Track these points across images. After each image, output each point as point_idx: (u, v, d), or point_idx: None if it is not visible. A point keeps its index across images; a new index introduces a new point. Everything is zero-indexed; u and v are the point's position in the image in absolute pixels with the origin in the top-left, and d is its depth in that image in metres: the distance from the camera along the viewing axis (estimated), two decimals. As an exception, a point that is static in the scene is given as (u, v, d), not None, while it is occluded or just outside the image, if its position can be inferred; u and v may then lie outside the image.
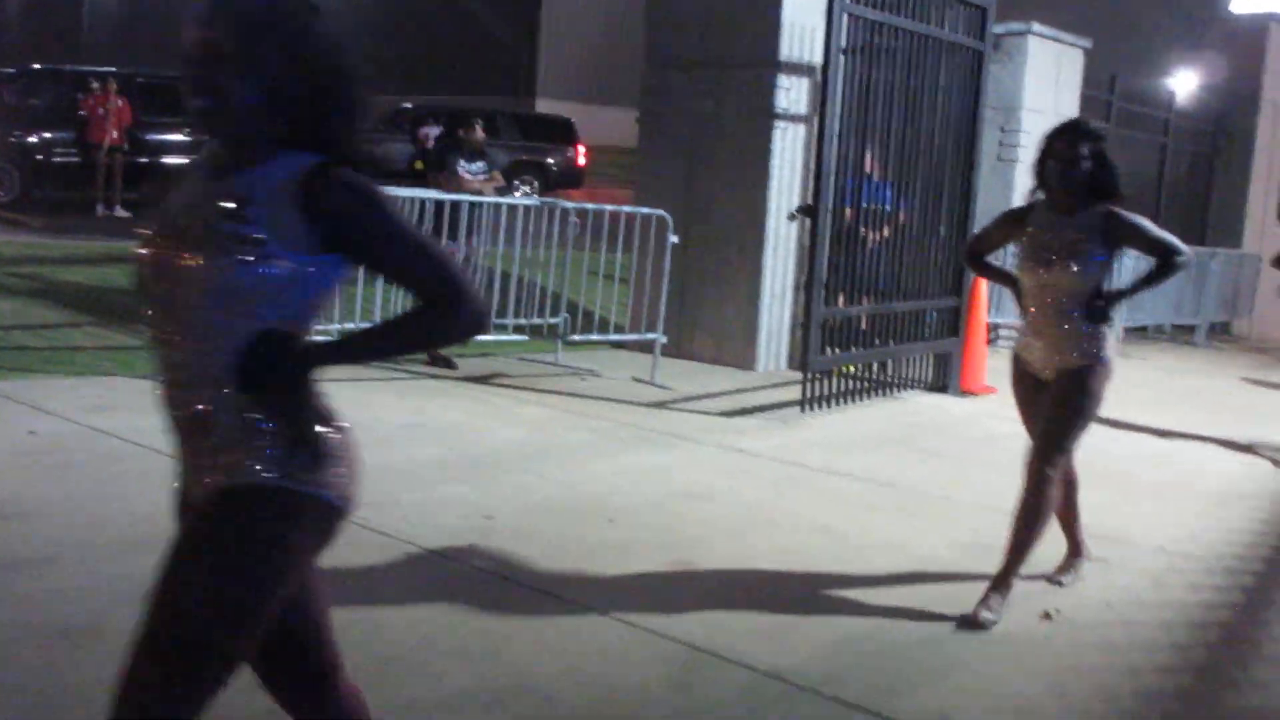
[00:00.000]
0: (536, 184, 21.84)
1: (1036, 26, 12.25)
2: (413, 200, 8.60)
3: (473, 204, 8.79)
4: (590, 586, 4.54)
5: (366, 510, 5.12)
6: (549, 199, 10.27)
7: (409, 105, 24.72)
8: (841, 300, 8.55)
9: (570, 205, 9.49)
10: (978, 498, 6.08)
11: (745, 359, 9.98)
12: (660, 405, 8.26)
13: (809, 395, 8.24)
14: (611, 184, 21.88)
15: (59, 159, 16.90)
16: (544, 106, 31.05)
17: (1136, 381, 11.08)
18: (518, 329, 9.11)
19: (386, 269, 2.19)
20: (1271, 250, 14.87)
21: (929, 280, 9.23)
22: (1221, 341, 15.88)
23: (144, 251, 2.14)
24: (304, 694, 2.36)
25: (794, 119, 9.91)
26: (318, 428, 2.13)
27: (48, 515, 4.84)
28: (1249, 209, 17.24)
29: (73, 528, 4.69)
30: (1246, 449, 8.23)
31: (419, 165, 20.21)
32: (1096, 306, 4.53)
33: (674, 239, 9.33)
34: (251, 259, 2.03)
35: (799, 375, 8.41)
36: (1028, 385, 4.77)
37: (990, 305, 10.02)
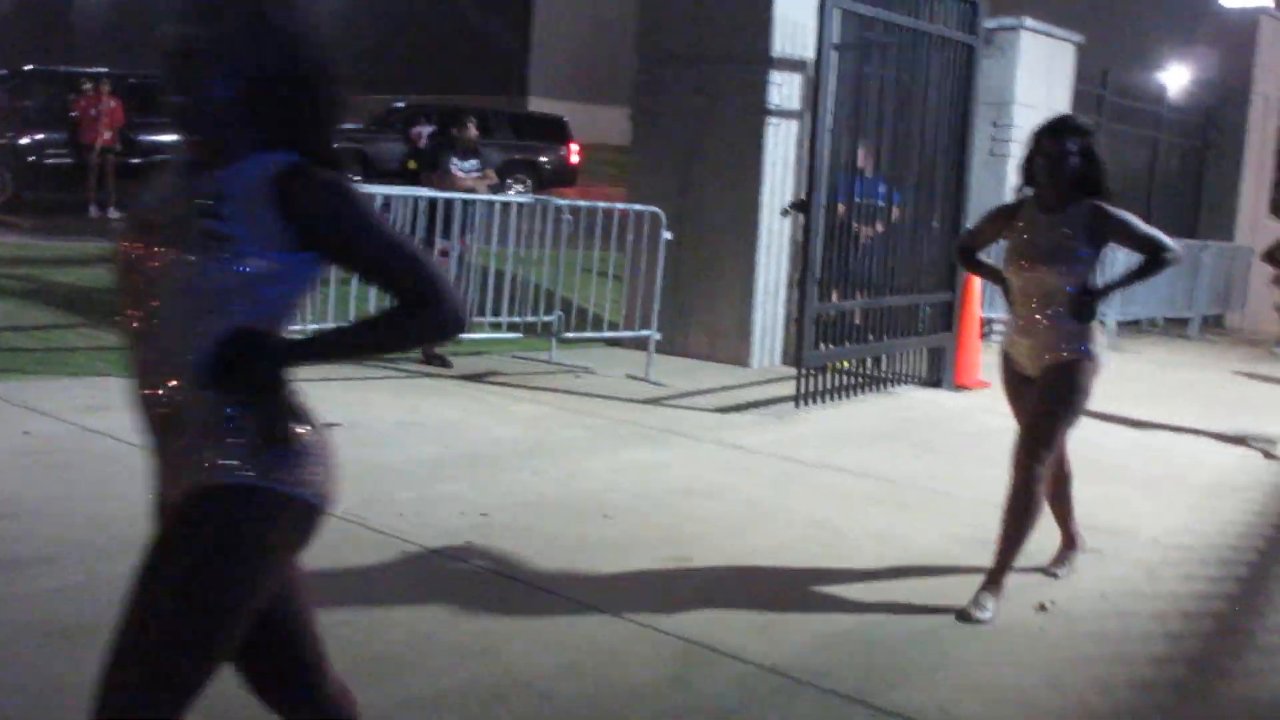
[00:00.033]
0: (529, 182, 21.84)
1: (1028, 21, 12.27)
2: (406, 198, 8.61)
3: (466, 202, 8.79)
4: (587, 583, 4.55)
5: (363, 508, 5.18)
6: (542, 196, 10.28)
7: (401, 104, 24.72)
8: (835, 296, 8.56)
9: (563, 203, 9.50)
10: (973, 492, 6.09)
11: (739, 355, 9.99)
12: (655, 402, 8.27)
13: (803, 391, 8.26)
14: (605, 182, 21.90)
15: (51, 160, 16.87)
16: (536, 105, 31.04)
17: (1130, 375, 11.12)
18: (512, 327, 9.12)
19: (363, 268, 2.17)
20: (1263, 244, 14.95)
21: (922, 275, 9.25)
22: (1214, 335, 15.92)
23: (119, 248, 2.13)
24: (289, 693, 2.35)
25: (786, 115, 9.92)
26: (293, 426, 2.12)
27: (44, 515, 4.85)
28: (1241, 202, 17.29)
29: (69, 527, 4.70)
30: (1239, 441, 8.25)
31: (411, 164, 20.30)
32: (1083, 302, 4.53)
33: (667, 235, 9.34)
34: (225, 256, 2.01)
35: (793, 371, 8.43)
36: (1016, 382, 4.78)
37: (983, 300, 10.04)
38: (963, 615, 4.42)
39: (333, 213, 2.08)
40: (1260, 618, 4.80)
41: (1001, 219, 4.84)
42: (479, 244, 9.18)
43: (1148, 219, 16.36)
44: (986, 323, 10.92)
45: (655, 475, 6.25)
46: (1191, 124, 17.07)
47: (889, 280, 8.93)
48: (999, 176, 11.64)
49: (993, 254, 5.22)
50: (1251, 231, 17.09)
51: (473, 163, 9.29)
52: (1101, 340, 4.67)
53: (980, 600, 4.47)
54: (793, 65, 9.84)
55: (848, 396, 8.78)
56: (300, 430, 2.14)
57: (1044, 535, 4.93)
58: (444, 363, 8.85)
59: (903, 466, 6.81)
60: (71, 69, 19.24)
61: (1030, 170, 4.64)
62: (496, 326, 9.00)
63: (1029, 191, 4.70)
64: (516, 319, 9.12)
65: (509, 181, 19.33)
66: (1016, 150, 10.56)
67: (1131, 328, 14.77)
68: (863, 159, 8.62)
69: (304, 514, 2.14)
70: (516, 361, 9.40)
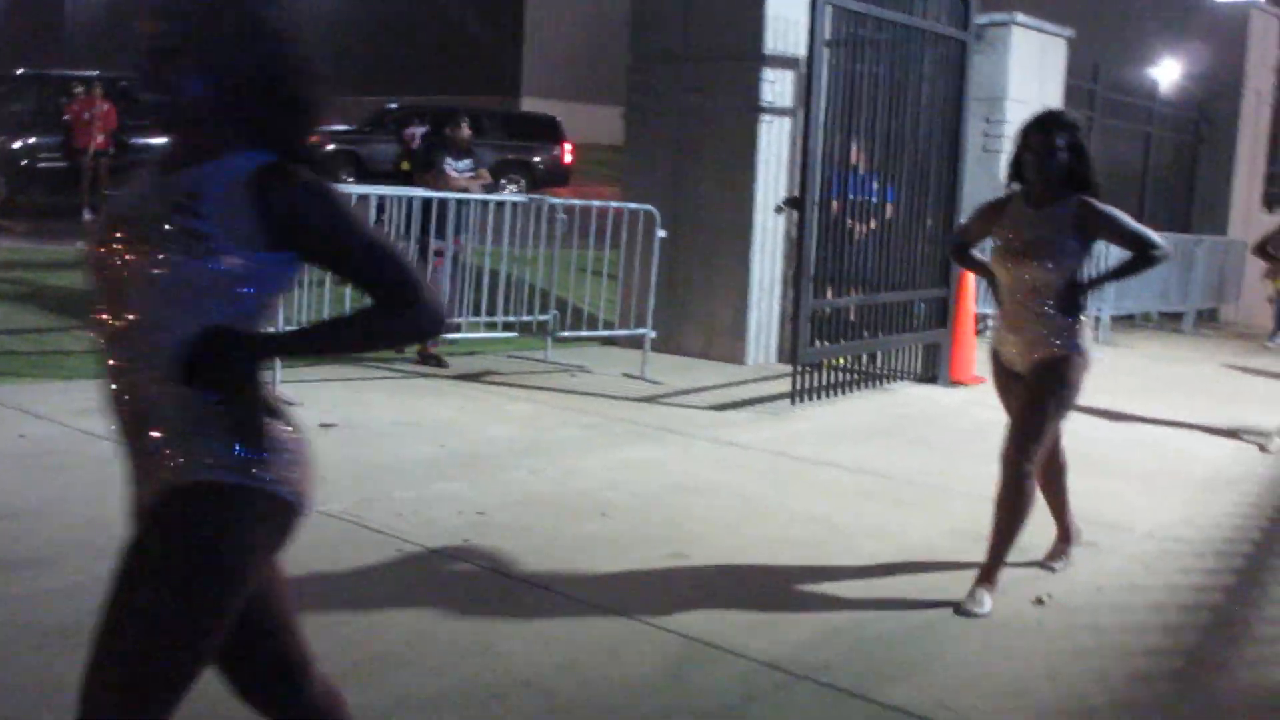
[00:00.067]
0: (523, 182, 21.83)
1: (1020, 16, 12.29)
2: (400, 199, 8.61)
3: (460, 202, 8.79)
4: (585, 581, 4.55)
5: (361, 508, 5.19)
6: (536, 196, 10.28)
7: (394, 105, 24.71)
8: (830, 293, 8.57)
9: (558, 201, 9.50)
10: (969, 487, 6.10)
11: (735, 353, 10.00)
12: (651, 400, 8.28)
13: (799, 388, 8.27)
14: (598, 181, 21.89)
15: (44, 164, 16.85)
16: (529, 105, 31.03)
17: (1125, 369, 11.15)
18: (507, 326, 9.12)
19: (341, 268, 2.15)
20: (1255, 238, 14.99)
21: (916, 271, 9.26)
22: (1208, 329, 15.96)
23: (93, 246, 2.11)
24: (274, 695, 2.33)
25: (779, 112, 9.93)
26: (266, 422, 2.10)
27: (41, 517, 4.85)
28: (1233, 196, 17.33)
29: (66, 529, 4.69)
30: (1233, 434, 8.27)
31: (405, 165, 20.25)
32: (1068, 296, 4.52)
33: (662, 234, 9.35)
34: (200, 254, 2.00)
35: (789, 368, 8.44)
36: (1006, 378, 4.77)
37: (978, 296, 10.05)
38: (960, 610, 4.43)
39: (310, 212, 2.06)
40: (1256, 609, 4.81)
41: (990, 214, 4.83)
42: (473, 244, 9.18)
43: (1141, 214, 16.37)
44: (981, 318, 10.94)
45: (652, 473, 6.26)
46: (1184, 118, 17.10)
47: (884, 277, 8.94)
48: (992, 172, 11.64)
49: (986, 250, 5.23)
50: (1244, 225, 17.13)
51: (466, 162, 9.29)
52: (1090, 335, 4.66)
53: (976, 595, 4.48)
54: (785, 62, 9.85)
55: (843, 393, 8.79)
56: (274, 427, 2.12)
57: (1040, 530, 4.95)
58: (440, 363, 8.85)
59: (899, 462, 6.82)
60: (64, 72, 19.21)
61: (1018, 166, 4.63)
62: (492, 326, 9.00)
63: (1017, 187, 4.70)
64: (512, 318, 9.13)
65: (503, 182, 19.33)
66: (1009, 146, 10.57)
67: (1126, 322, 14.80)
68: (856, 155, 8.62)
69: (280, 511, 2.11)
70: (512, 361, 9.40)
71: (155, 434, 2.07)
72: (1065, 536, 5.04)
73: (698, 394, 8.56)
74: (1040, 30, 12.60)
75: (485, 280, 8.89)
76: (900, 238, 9.09)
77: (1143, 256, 4.67)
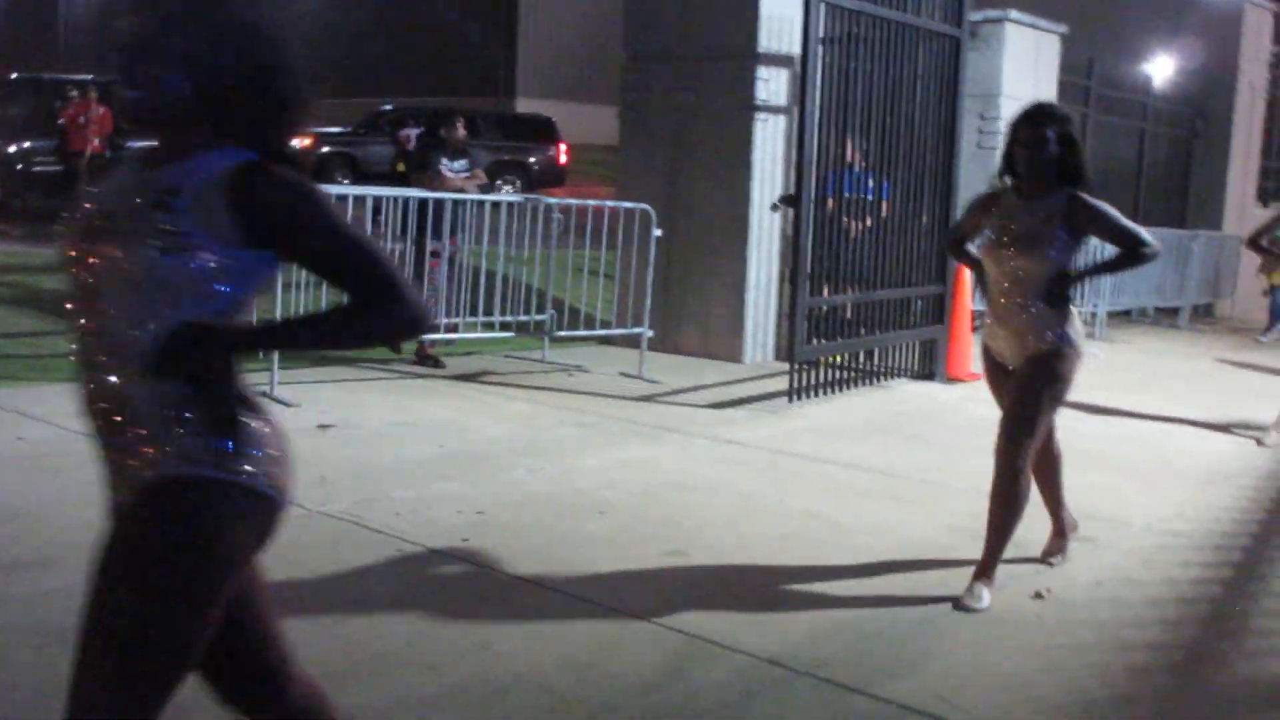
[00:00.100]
0: (519, 183, 21.86)
1: (1013, 13, 12.31)
2: (396, 200, 8.61)
3: (456, 202, 8.79)
4: (584, 579, 4.56)
5: (360, 508, 5.20)
6: (532, 196, 10.28)
7: (388, 107, 24.72)
8: (827, 290, 8.58)
9: (553, 201, 9.50)
10: (966, 483, 6.10)
11: (732, 351, 10.01)
12: (648, 399, 8.28)
13: (796, 385, 8.27)
14: (594, 181, 21.90)
15: (40, 168, 16.85)
16: (524, 106, 31.05)
17: (1121, 364, 11.18)
18: (504, 326, 9.13)
19: (320, 266, 2.12)
20: (1249, 230, 15.00)
21: (913, 268, 9.27)
22: (1204, 324, 15.98)
23: (70, 242, 2.10)
24: (255, 698, 2.30)
25: (774, 110, 9.94)
26: (241, 415, 2.08)
27: (40, 519, 4.85)
28: (1228, 191, 17.35)
29: (65, 530, 4.69)
30: (1229, 429, 8.28)
31: (400, 167, 20.29)
32: (1056, 288, 4.50)
33: (658, 233, 9.35)
34: (175, 251, 1.99)
35: (786, 366, 8.45)
36: (998, 373, 4.76)
37: (974, 292, 10.06)
38: (958, 605, 4.43)
39: (289, 211, 2.05)
40: (1255, 602, 4.82)
41: (983, 207, 4.81)
42: (470, 244, 9.19)
43: (1136, 209, 16.37)
44: (978, 315, 10.94)
45: (650, 472, 6.26)
46: (1178, 114, 17.13)
47: (880, 274, 8.94)
48: (987, 169, 11.60)
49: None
50: (1239, 220, 17.15)
51: (462, 163, 9.29)
52: (1080, 327, 4.64)
53: (975, 590, 4.48)
54: (779, 60, 9.86)
55: (841, 391, 8.80)
56: (250, 421, 2.10)
57: (1038, 525, 4.96)
58: (437, 363, 8.86)
59: (897, 459, 6.82)
60: (59, 76, 19.21)
61: (1009, 159, 4.62)
62: (489, 326, 9.00)
63: (1009, 181, 4.68)
64: (509, 318, 9.13)
65: (499, 183, 19.34)
66: (1003, 143, 10.56)
67: (1122, 318, 14.83)
68: (851, 153, 8.63)
69: (259, 506, 2.09)
70: (509, 361, 9.40)
71: (130, 431, 2.05)
72: (1061, 531, 5.05)
73: (695, 393, 8.57)
74: (1034, 27, 12.62)
75: (482, 280, 8.90)
76: (896, 235, 9.10)
77: (1132, 253, 4.64)
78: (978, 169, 11.35)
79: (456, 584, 4.50)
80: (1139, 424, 8.32)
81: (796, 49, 8.76)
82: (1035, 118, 4.55)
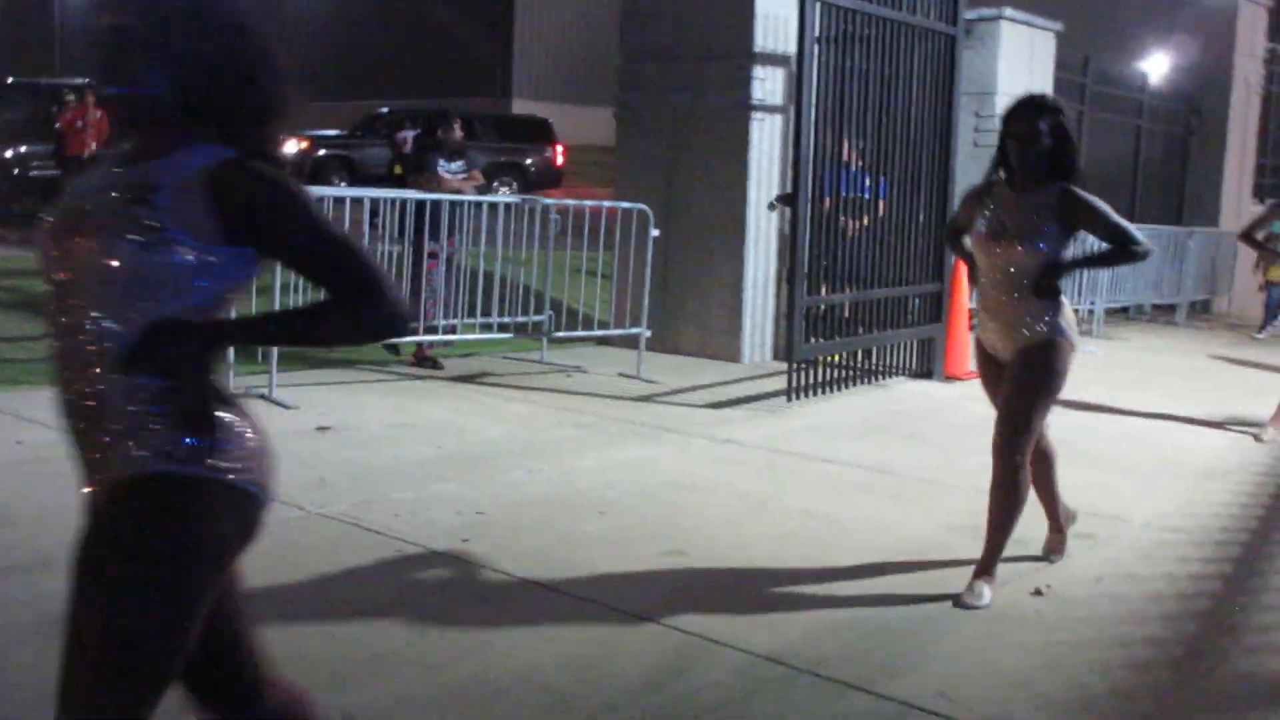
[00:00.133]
0: (515, 185, 21.87)
1: (1008, 11, 12.32)
2: (393, 201, 8.61)
3: (453, 203, 8.79)
4: (584, 578, 4.56)
5: (359, 509, 5.20)
6: (530, 196, 10.28)
7: (385, 110, 24.72)
8: (824, 289, 8.58)
9: (551, 202, 9.51)
10: (965, 481, 6.11)
11: (730, 351, 10.01)
12: (647, 399, 8.29)
13: (795, 385, 8.28)
14: (590, 183, 21.90)
15: (37, 173, 16.84)
16: (520, 107, 31.05)
17: (1119, 362, 11.19)
18: (502, 328, 9.13)
19: (300, 263, 2.11)
20: (1243, 224, 15.01)
21: (910, 267, 9.27)
22: (1201, 320, 15.99)
23: (47, 238, 2.08)
24: (230, 704, 2.26)
25: (771, 109, 9.94)
26: (218, 411, 2.07)
27: (41, 521, 4.84)
28: (1224, 187, 17.37)
29: (65, 532, 4.65)
30: (1227, 425, 8.29)
31: (397, 169, 20.29)
32: (1045, 279, 4.46)
33: (655, 233, 9.35)
34: (153, 245, 1.97)
35: (784, 366, 8.45)
36: (991, 367, 4.73)
37: (972, 290, 10.07)
38: (959, 602, 4.44)
39: (269, 207, 2.03)
40: (1254, 598, 4.83)
41: (976, 198, 4.78)
42: (467, 245, 9.19)
43: (1132, 207, 16.32)
44: (975, 313, 10.96)
45: (649, 471, 6.26)
46: (1174, 111, 17.14)
47: (877, 273, 8.95)
48: (983, 167, 11.64)
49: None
50: (1236, 216, 17.17)
51: (459, 164, 9.29)
52: (1071, 319, 4.60)
53: (975, 587, 4.48)
54: (775, 60, 9.86)
55: (839, 390, 8.81)
56: (227, 417, 2.08)
57: (1038, 522, 4.96)
58: (435, 365, 8.86)
59: (895, 458, 6.83)
60: (55, 81, 19.20)
61: (1002, 152, 4.59)
62: (487, 327, 9.00)
63: (1002, 173, 4.64)
64: (507, 319, 9.13)
65: (495, 184, 19.35)
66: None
67: (1119, 315, 14.84)
68: (848, 152, 8.64)
69: (239, 503, 2.07)
70: (508, 362, 9.41)
71: (106, 427, 2.03)
72: (1059, 528, 5.03)
73: (694, 392, 8.57)
74: (1029, 24, 12.62)
75: (480, 282, 8.90)
76: (893, 233, 9.11)
77: (1123, 250, 4.60)
78: (974, 167, 11.35)
79: (456, 584, 4.50)
80: (1137, 421, 8.33)
81: (792, 48, 8.77)
82: (1027, 110, 4.52)
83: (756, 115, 9.84)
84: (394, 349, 9.04)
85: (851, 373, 9.08)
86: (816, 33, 8.14)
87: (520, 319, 9.24)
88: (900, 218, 9.16)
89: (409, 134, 20.32)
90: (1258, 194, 18.05)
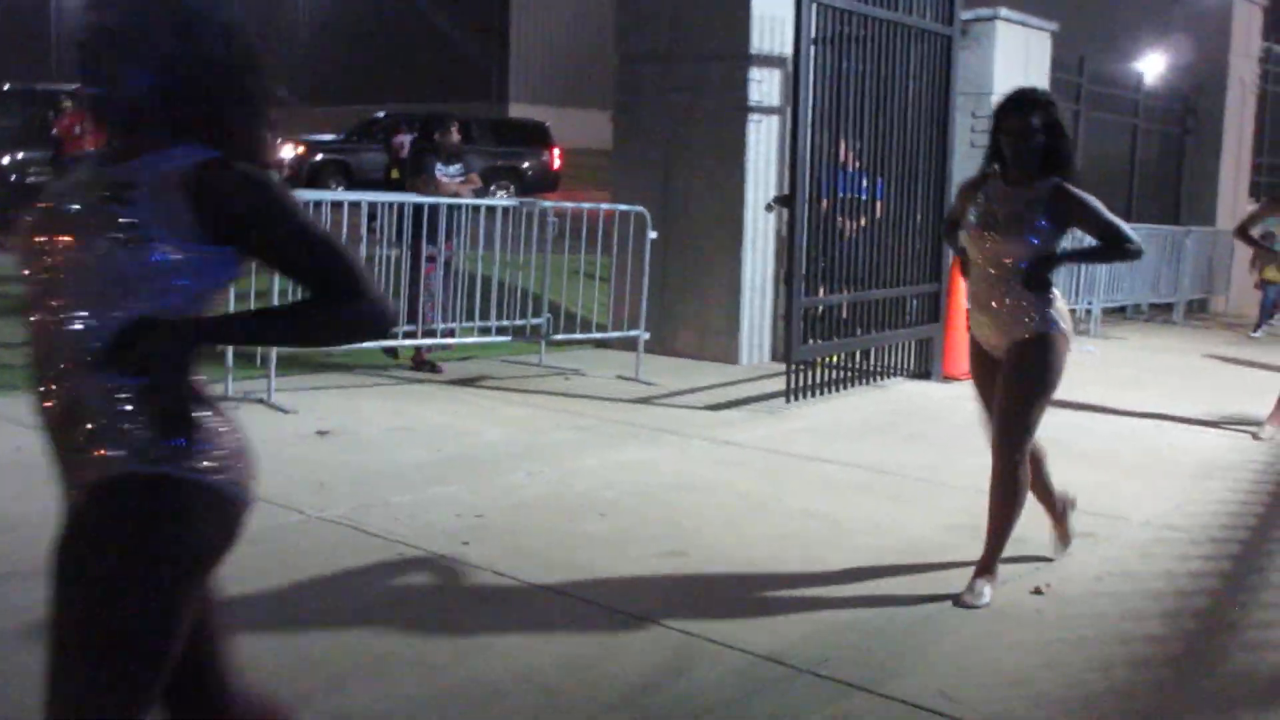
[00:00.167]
0: (512, 188, 21.88)
1: (1004, 11, 12.31)
2: (391, 205, 8.61)
3: (451, 207, 8.80)
4: (584, 579, 4.56)
5: (358, 513, 5.20)
6: (527, 199, 10.28)
7: (382, 114, 24.74)
8: (822, 290, 8.59)
9: (548, 204, 9.51)
10: (965, 480, 6.11)
11: (728, 353, 10.01)
12: (646, 401, 8.29)
13: (793, 386, 8.28)
14: (587, 186, 21.90)
15: (34, 179, 16.82)
16: (516, 111, 31.07)
17: (1116, 361, 11.20)
18: (500, 331, 9.13)
19: (281, 263, 2.10)
20: (1238, 221, 15.02)
21: (907, 267, 9.28)
22: (1198, 319, 16.01)
23: (26, 237, 2.07)
24: (198, 713, 2.23)
25: (767, 111, 9.95)
26: (196, 411, 2.05)
27: (41, 528, 4.81)
28: (1220, 186, 17.38)
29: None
30: (1224, 424, 8.30)
31: (395, 174, 20.30)
32: (1035, 272, 4.42)
33: (653, 235, 9.36)
34: (131, 244, 1.96)
35: (782, 367, 8.45)
36: (984, 362, 4.69)
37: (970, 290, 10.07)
38: (959, 602, 4.44)
39: (248, 207, 2.02)
40: (1253, 595, 4.84)
41: (969, 191, 4.75)
42: (465, 249, 9.19)
43: (1129, 206, 16.26)
44: (969, 311, 10.96)
45: (649, 473, 6.27)
46: (1169, 110, 17.15)
47: (875, 273, 8.96)
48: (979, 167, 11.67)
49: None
50: (1232, 215, 17.16)
51: (456, 167, 9.29)
52: (1064, 311, 4.56)
53: (975, 587, 4.49)
54: (772, 61, 9.87)
55: (837, 391, 8.81)
56: (206, 418, 2.06)
57: (1039, 521, 4.97)
58: (434, 368, 8.87)
59: (894, 458, 6.83)
60: (50, 87, 19.20)
61: (996, 147, 4.55)
62: (485, 331, 9.01)
63: (996, 168, 4.61)
64: (505, 323, 9.13)
65: (493, 188, 19.37)
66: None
67: (1117, 314, 14.86)
68: (845, 153, 8.64)
69: (218, 504, 2.05)
70: (506, 365, 9.41)
71: (82, 429, 2.01)
72: (1059, 518, 5.00)
73: (692, 394, 8.57)
74: (1024, 24, 12.62)
75: (478, 285, 8.91)
76: (891, 234, 9.11)
77: (1115, 246, 4.56)
78: (971, 167, 11.33)
79: (456, 587, 4.50)
80: (1135, 420, 8.33)
81: (789, 49, 8.77)
82: (1020, 105, 4.48)
83: (753, 117, 9.85)
84: (392, 353, 9.05)
85: (850, 373, 9.08)
86: (813, 34, 8.15)
87: (518, 322, 9.25)
88: (897, 218, 9.16)
89: (406, 138, 20.33)
90: (1254, 193, 18.06)
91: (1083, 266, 13.22)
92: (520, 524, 5.25)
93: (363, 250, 8.69)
